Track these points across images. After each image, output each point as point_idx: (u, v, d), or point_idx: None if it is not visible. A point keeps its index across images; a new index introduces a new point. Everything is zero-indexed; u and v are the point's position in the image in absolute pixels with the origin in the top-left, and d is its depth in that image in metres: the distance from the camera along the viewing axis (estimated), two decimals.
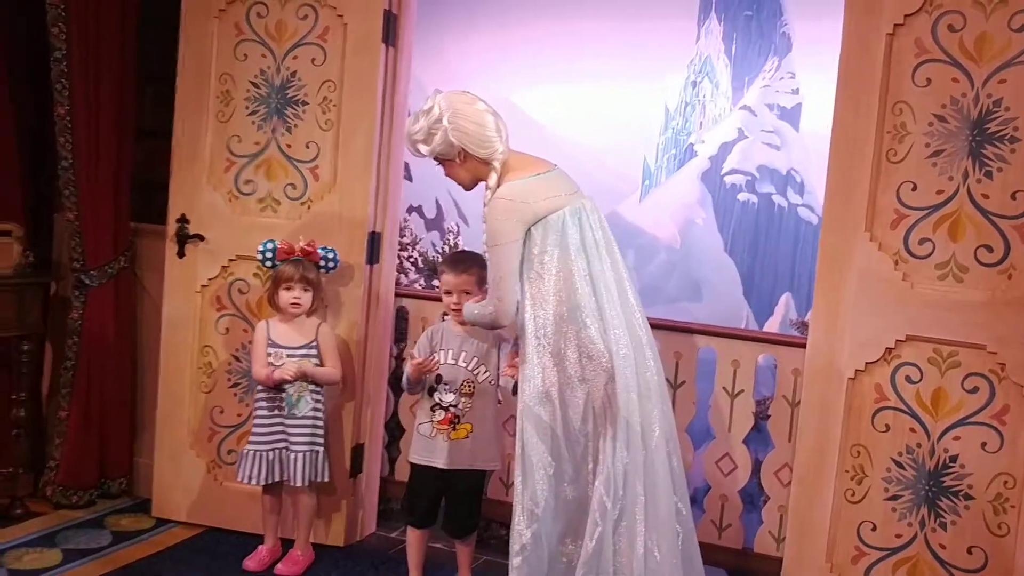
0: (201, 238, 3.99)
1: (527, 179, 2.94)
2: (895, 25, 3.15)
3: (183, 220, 4.01)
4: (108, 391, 4.22)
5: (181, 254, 4.02)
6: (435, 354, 3.45)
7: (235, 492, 3.99)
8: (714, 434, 3.78)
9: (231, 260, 3.98)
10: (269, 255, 3.67)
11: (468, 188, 3.09)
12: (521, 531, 2.90)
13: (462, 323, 3.42)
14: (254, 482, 3.66)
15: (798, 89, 4.08)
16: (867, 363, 3.21)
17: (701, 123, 4.15)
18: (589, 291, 2.87)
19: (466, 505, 3.49)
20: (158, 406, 4.13)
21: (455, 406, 3.43)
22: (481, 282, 3.42)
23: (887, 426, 3.20)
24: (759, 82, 4.11)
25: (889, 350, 3.18)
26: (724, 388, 3.69)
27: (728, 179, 4.09)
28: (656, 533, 2.83)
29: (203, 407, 4.07)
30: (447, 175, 3.09)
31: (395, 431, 4.29)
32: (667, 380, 3.66)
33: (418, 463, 3.51)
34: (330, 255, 3.72)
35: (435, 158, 3.04)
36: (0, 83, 4.14)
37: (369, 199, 3.83)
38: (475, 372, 3.44)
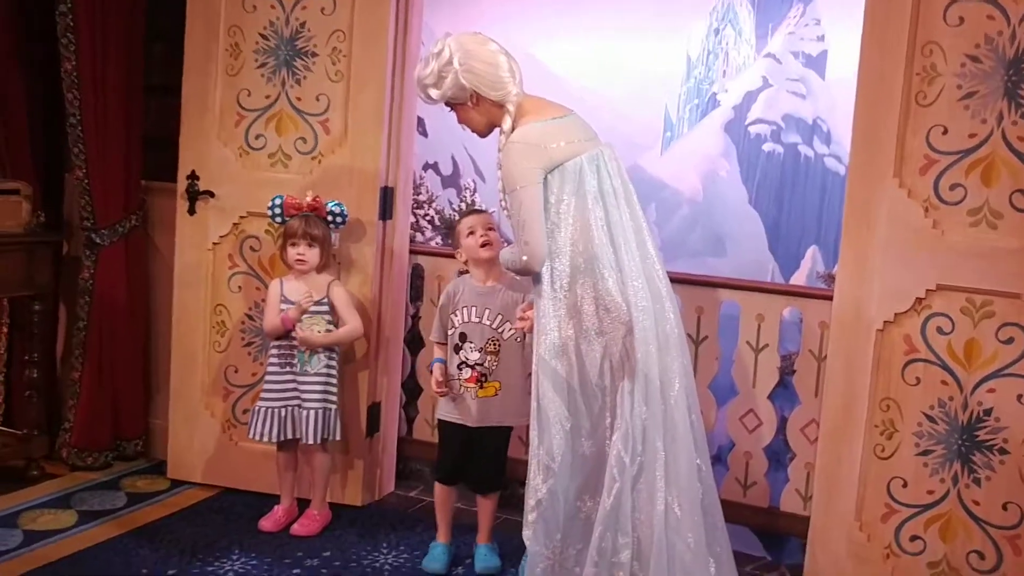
0: (211, 195, 3.91)
1: (543, 122, 2.83)
2: None
3: (193, 176, 3.93)
4: (121, 352, 4.17)
5: (192, 211, 3.95)
6: (452, 380, 3.40)
7: (250, 452, 3.94)
8: (738, 390, 3.68)
9: (242, 217, 3.91)
10: (277, 210, 3.60)
11: (483, 134, 2.97)
12: (537, 486, 2.82)
13: (491, 275, 3.36)
14: (266, 439, 3.61)
15: (823, 36, 3.92)
16: (896, 314, 3.08)
17: (724, 72, 4.01)
18: (607, 241, 2.77)
19: (493, 462, 3.43)
20: (171, 366, 4.07)
21: (481, 364, 3.35)
22: (494, 226, 3.38)
23: (918, 379, 3.08)
24: (783, 29, 3.96)
25: (919, 300, 3.06)
26: (748, 343, 3.59)
27: (752, 129, 3.95)
28: (676, 489, 2.74)
29: (217, 367, 4.01)
30: (460, 121, 2.98)
31: (413, 390, 4.21)
32: (689, 335, 3.59)
33: (445, 419, 3.45)
34: (337, 209, 3.62)
35: (447, 103, 2.93)
36: (8, 38, 4.06)
37: (381, 153, 3.74)
38: (499, 329, 3.35)
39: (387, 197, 3.80)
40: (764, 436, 3.61)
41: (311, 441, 3.59)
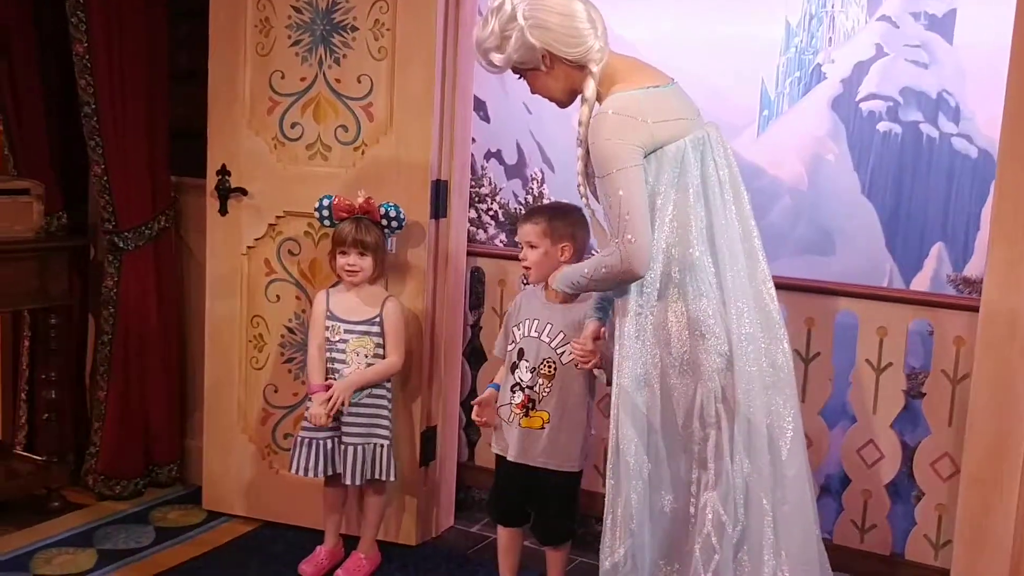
0: (244, 192, 3.46)
1: (642, 90, 2.25)
2: None
3: (224, 172, 3.49)
4: (151, 368, 3.76)
5: (223, 211, 3.51)
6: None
7: (292, 482, 3.49)
8: (852, 414, 3.13)
9: (279, 217, 3.46)
10: (325, 212, 3.15)
11: (564, 103, 2.41)
12: (613, 547, 2.32)
13: (545, 286, 2.85)
14: (309, 474, 3.17)
15: None
16: None
17: (830, 39, 3.43)
18: (707, 249, 2.24)
19: (552, 508, 2.90)
20: (205, 385, 3.66)
21: (531, 387, 2.84)
22: (547, 233, 2.81)
23: None
24: None
25: None
26: (867, 360, 3.02)
27: (865, 106, 3.37)
28: (788, 562, 2.20)
29: (255, 386, 3.57)
30: (534, 91, 2.42)
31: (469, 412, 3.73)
32: (796, 351, 3.04)
33: (495, 451, 2.97)
34: (393, 212, 3.14)
35: (514, 69, 2.38)
36: (19, 18, 3.65)
37: (432, 141, 3.24)
38: (558, 350, 2.82)
39: (440, 192, 3.31)
40: (886, 472, 3.05)
41: (352, 482, 3.14)
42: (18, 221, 3.44)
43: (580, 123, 2.32)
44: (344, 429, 3.14)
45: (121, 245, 3.65)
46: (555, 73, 2.34)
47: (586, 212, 2.50)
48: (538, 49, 2.29)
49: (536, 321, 2.87)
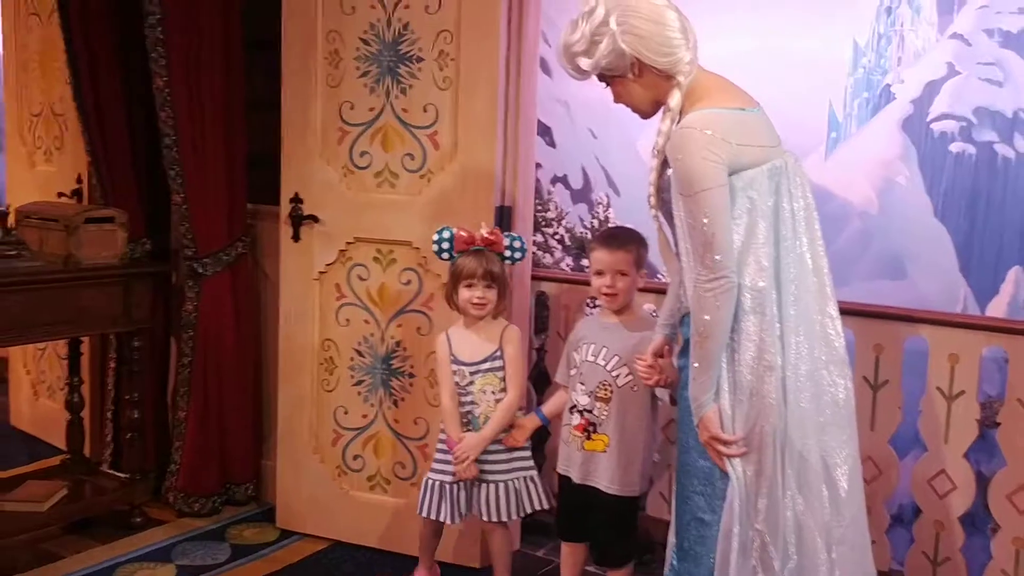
0: (316, 219, 3.55)
1: (729, 111, 2.21)
2: None
3: (297, 200, 3.58)
4: (229, 389, 3.88)
5: (296, 238, 3.61)
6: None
7: (363, 503, 3.61)
8: (924, 443, 3.04)
9: (348, 243, 3.54)
10: (446, 245, 3.06)
11: (647, 114, 2.36)
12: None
13: (616, 311, 2.90)
14: (442, 519, 3.11)
15: None
16: None
17: (900, 59, 3.37)
18: (772, 282, 2.20)
19: (612, 531, 2.92)
20: (278, 407, 3.75)
21: (589, 411, 2.87)
22: (637, 262, 2.84)
23: None
24: (974, 2, 3.29)
25: None
26: (939, 388, 2.94)
27: (937, 126, 3.29)
28: None
29: (326, 408, 3.65)
30: (618, 100, 2.37)
31: (539, 434, 3.73)
32: (865, 379, 3.00)
33: (559, 471, 3.01)
34: (516, 243, 3.08)
35: (601, 77, 2.34)
36: (105, 52, 3.82)
37: (496, 167, 3.29)
38: (614, 373, 2.85)
39: (504, 217, 3.35)
40: (959, 503, 2.96)
41: (495, 519, 3.08)
42: (104, 248, 3.58)
43: (660, 133, 2.27)
44: (484, 468, 3.06)
45: (200, 270, 3.78)
46: (642, 82, 2.29)
47: (653, 225, 2.45)
48: (628, 56, 2.25)
49: (592, 345, 2.90)
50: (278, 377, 3.75)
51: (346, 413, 3.63)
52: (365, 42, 3.41)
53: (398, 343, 3.49)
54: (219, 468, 3.91)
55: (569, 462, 2.95)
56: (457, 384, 3.08)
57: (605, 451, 2.86)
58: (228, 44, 3.69)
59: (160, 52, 3.53)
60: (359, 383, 3.59)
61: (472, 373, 3.06)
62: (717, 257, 2.14)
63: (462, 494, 3.09)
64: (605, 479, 2.86)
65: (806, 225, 2.25)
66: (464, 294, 3.04)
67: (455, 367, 3.08)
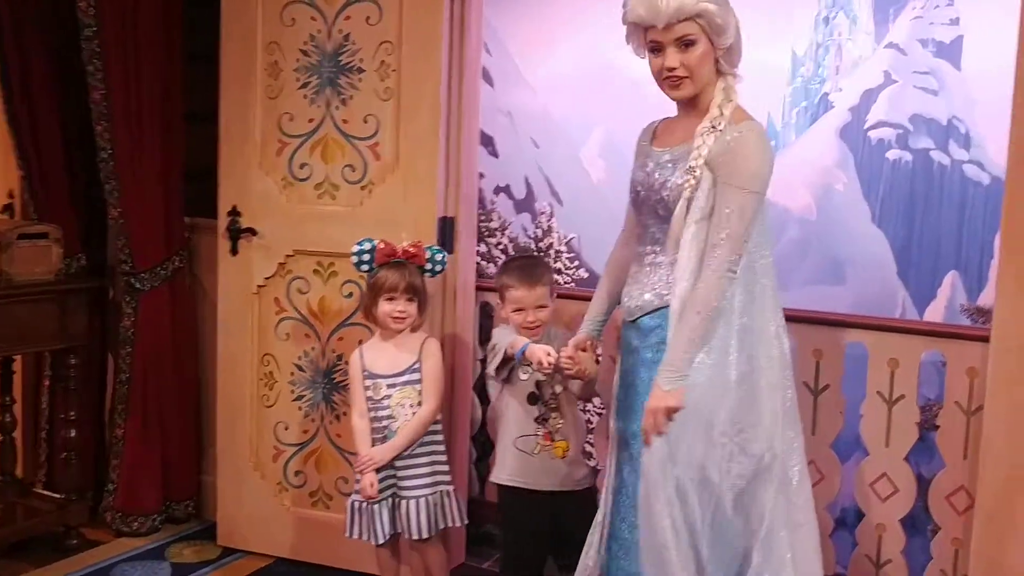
0: (254, 232, 3.50)
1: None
2: None
3: (235, 213, 3.53)
4: (168, 405, 3.80)
5: (234, 251, 3.55)
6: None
7: (306, 519, 3.54)
8: (866, 447, 3.07)
9: (288, 256, 3.49)
10: (366, 257, 3.00)
11: (691, 93, 2.35)
12: None
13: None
14: (368, 540, 3.01)
15: (958, 19, 3.30)
16: None
17: (837, 68, 3.42)
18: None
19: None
20: (218, 422, 3.68)
21: (545, 420, 2.96)
22: (553, 287, 3.00)
23: None
24: (908, 13, 3.35)
25: None
26: (879, 393, 2.98)
27: (874, 134, 3.35)
28: None
29: (266, 423, 3.59)
30: (684, 64, 2.30)
31: (484, 445, 3.72)
32: (805, 384, 3.02)
33: (518, 486, 2.98)
34: (438, 256, 3.05)
35: (686, 37, 2.29)
36: (40, 66, 3.73)
37: (438, 179, 3.26)
38: (553, 385, 2.97)
39: (447, 228, 3.33)
40: (901, 506, 2.99)
41: (419, 536, 2.98)
42: (38, 264, 3.50)
43: (715, 127, 2.29)
44: (402, 484, 2.98)
45: (137, 286, 3.70)
46: (709, 64, 2.32)
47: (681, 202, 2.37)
48: (731, 30, 2.30)
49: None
50: (217, 393, 3.68)
51: (287, 429, 3.57)
52: (305, 53, 3.37)
53: (339, 357, 3.44)
54: (158, 486, 3.82)
55: (536, 474, 2.96)
56: (371, 398, 3.00)
57: (564, 456, 2.95)
58: (168, 56, 3.62)
59: (97, 65, 3.46)
60: (300, 398, 3.54)
61: (389, 386, 2.99)
62: (739, 254, 2.26)
63: (385, 513, 2.99)
64: (572, 480, 2.97)
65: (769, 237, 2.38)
66: (384, 307, 2.98)
67: (369, 381, 3.01)
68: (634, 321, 2.44)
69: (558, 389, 2.93)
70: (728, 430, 2.27)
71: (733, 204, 2.24)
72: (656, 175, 2.39)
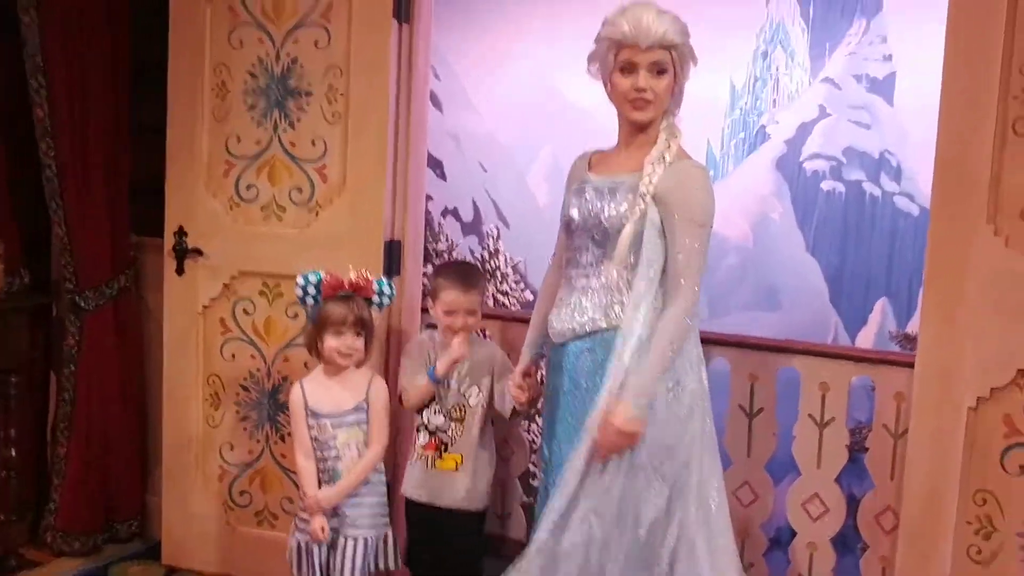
0: (200, 252, 3.51)
1: None
2: None
3: (181, 233, 3.54)
4: (112, 425, 3.78)
5: (180, 271, 3.55)
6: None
7: (251, 538, 3.56)
8: (799, 467, 3.17)
9: (234, 277, 3.50)
10: (312, 291, 2.87)
11: (654, 117, 2.47)
12: None
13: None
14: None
15: (891, 56, 3.43)
16: (992, 389, 2.58)
17: (774, 101, 3.53)
18: None
19: (464, 548, 3.00)
20: (163, 442, 3.68)
21: (444, 431, 2.97)
22: (483, 298, 3.08)
23: (1021, 468, 2.56)
24: (843, 49, 3.47)
25: (1022, 372, 2.54)
26: (811, 416, 3.07)
27: (809, 165, 3.47)
28: None
29: (211, 443, 3.60)
30: (652, 90, 2.42)
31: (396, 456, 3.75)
32: (741, 407, 3.11)
33: (408, 497, 3.05)
34: (386, 289, 2.94)
35: (661, 64, 2.42)
36: None
37: (385, 202, 3.31)
38: (466, 394, 2.98)
39: (393, 252, 3.37)
40: (831, 525, 3.09)
41: None
42: None
43: (657, 162, 2.40)
44: (347, 522, 2.90)
45: (82, 304, 3.68)
46: (671, 91, 2.46)
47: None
48: (690, 69, 2.47)
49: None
50: (163, 413, 3.68)
51: (232, 448, 3.58)
52: (253, 75, 3.40)
53: (285, 377, 3.46)
54: (101, 505, 3.80)
55: (418, 484, 3.01)
56: (316, 439, 2.91)
57: (457, 469, 2.95)
58: (115, 70, 3.60)
59: (40, 81, 3.44)
60: (245, 418, 3.55)
61: (335, 426, 2.90)
62: (697, 289, 2.37)
63: (325, 551, 2.92)
64: (457, 497, 2.96)
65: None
66: (331, 343, 2.87)
67: (313, 420, 2.90)
68: (563, 344, 2.51)
69: (473, 402, 2.95)
70: (654, 453, 2.35)
71: (695, 241, 2.37)
72: (596, 202, 2.47)
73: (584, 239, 2.50)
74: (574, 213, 2.52)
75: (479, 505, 3.01)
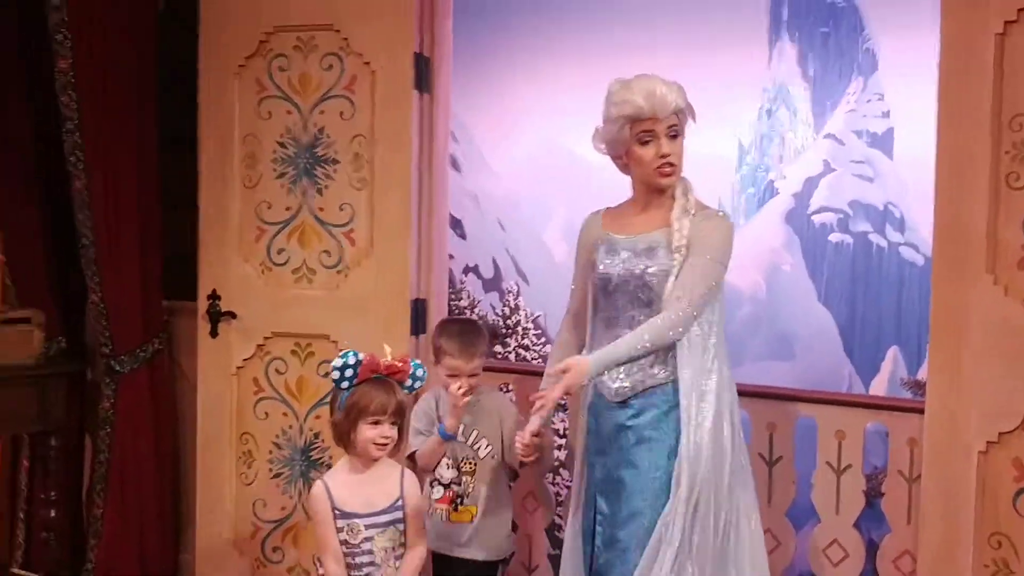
0: (233, 315, 3.64)
1: None
2: (1006, 23, 2.64)
3: (214, 296, 3.68)
4: (146, 485, 3.88)
5: (214, 333, 3.69)
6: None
7: None
8: (818, 514, 3.25)
9: (266, 338, 3.64)
10: (349, 373, 2.58)
11: (673, 183, 2.59)
12: None
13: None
14: None
15: (889, 112, 3.58)
16: (1000, 433, 2.67)
17: (781, 156, 3.67)
18: None
19: None
20: (196, 501, 3.78)
21: (457, 484, 3.02)
22: (484, 359, 3.11)
23: None
24: (843, 106, 3.62)
25: None
26: (828, 463, 3.16)
27: (816, 218, 3.59)
28: None
29: (244, 501, 3.70)
30: (675, 152, 2.56)
31: None
32: (760, 456, 3.19)
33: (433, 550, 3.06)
34: (419, 372, 2.68)
35: (674, 127, 2.55)
36: (24, 156, 3.89)
37: (410, 263, 3.44)
38: (476, 447, 3.03)
39: (419, 311, 3.50)
40: (851, 570, 3.14)
41: None
42: (19, 348, 3.62)
43: (687, 199, 2.57)
44: None
45: (117, 368, 3.81)
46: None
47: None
48: (689, 117, 2.58)
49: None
50: (197, 471, 3.78)
51: (265, 506, 3.68)
52: (282, 145, 3.56)
53: (317, 435, 3.58)
54: (136, 564, 3.88)
55: (437, 536, 3.02)
56: (346, 542, 2.58)
57: (472, 521, 2.99)
58: (142, 144, 3.78)
59: (79, 156, 3.60)
60: (278, 475, 3.66)
61: (368, 527, 2.59)
62: (694, 313, 2.49)
63: None
64: (474, 547, 2.99)
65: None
66: (367, 433, 2.56)
67: (343, 522, 2.58)
68: (623, 403, 2.60)
69: (483, 454, 3.01)
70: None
71: (698, 268, 2.49)
72: (635, 262, 2.58)
73: (625, 298, 2.60)
74: (611, 272, 2.62)
75: (499, 554, 3.05)
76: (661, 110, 2.50)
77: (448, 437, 2.97)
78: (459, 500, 3.02)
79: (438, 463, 3.04)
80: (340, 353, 2.63)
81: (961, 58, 2.71)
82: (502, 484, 3.07)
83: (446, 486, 3.03)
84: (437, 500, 3.03)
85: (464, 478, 3.02)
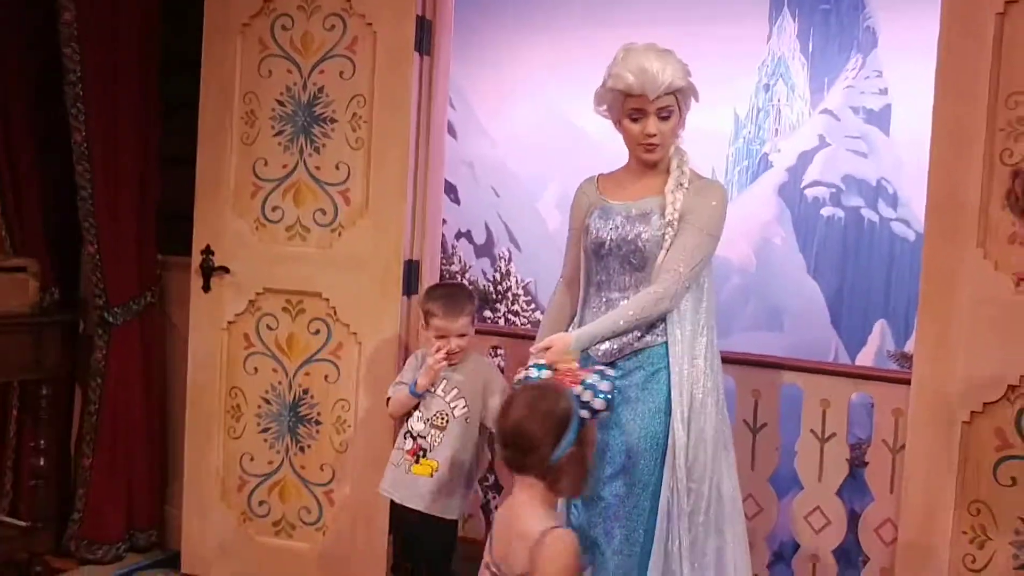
0: (227, 270, 3.66)
1: None
2: (1007, 2, 2.67)
3: (208, 251, 3.69)
4: (135, 436, 3.92)
5: (206, 288, 3.70)
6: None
7: (267, 547, 3.67)
8: (801, 481, 3.30)
9: (258, 294, 3.65)
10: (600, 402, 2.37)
11: (658, 160, 2.62)
12: None
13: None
14: None
15: (886, 89, 3.60)
16: (985, 404, 2.71)
17: (776, 131, 3.69)
18: None
19: (434, 554, 3.08)
20: (184, 453, 3.80)
21: (424, 437, 3.04)
22: (474, 318, 3.10)
23: (1013, 479, 2.69)
24: (841, 82, 3.64)
25: (1012, 388, 2.68)
26: (812, 431, 3.20)
27: (809, 192, 3.62)
28: None
29: (232, 454, 3.72)
30: (663, 132, 2.57)
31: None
32: (745, 422, 3.24)
33: (384, 494, 3.14)
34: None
35: (665, 109, 2.55)
36: (20, 106, 3.87)
37: (405, 224, 3.46)
38: (453, 405, 3.05)
39: (412, 271, 3.52)
40: (833, 537, 3.21)
41: None
42: (15, 297, 3.62)
43: (682, 185, 2.57)
44: None
45: (110, 320, 3.83)
46: (679, 124, 2.61)
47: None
48: (691, 98, 2.60)
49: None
50: (184, 424, 3.81)
51: (252, 459, 3.70)
52: (281, 103, 3.57)
53: (305, 391, 3.60)
54: (123, 515, 3.93)
55: (393, 484, 3.08)
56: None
57: (432, 476, 3.00)
58: (146, 103, 3.80)
59: (80, 109, 3.62)
60: (266, 430, 3.68)
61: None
62: (686, 278, 2.53)
63: None
64: (428, 501, 3.00)
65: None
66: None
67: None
68: (611, 364, 2.61)
69: (458, 413, 3.02)
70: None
71: (690, 241, 2.52)
72: (628, 227, 2.61)
73: (617, 262, 2.63)
74: (604, 236, 2.64)
75: (451, 514, 3.04)
76: (651, 89, 2.51)
77: (416, 395, 3.04)
78: (422, 453, 3.03)
79: (410, 413, 3.08)
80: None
81: (961, 35, 2.74)
82: (469, 448, 3.06)
83: (415, 438, 3.05)
84: (406, 451, 3.06)
85: (432, 431, 3.03)
